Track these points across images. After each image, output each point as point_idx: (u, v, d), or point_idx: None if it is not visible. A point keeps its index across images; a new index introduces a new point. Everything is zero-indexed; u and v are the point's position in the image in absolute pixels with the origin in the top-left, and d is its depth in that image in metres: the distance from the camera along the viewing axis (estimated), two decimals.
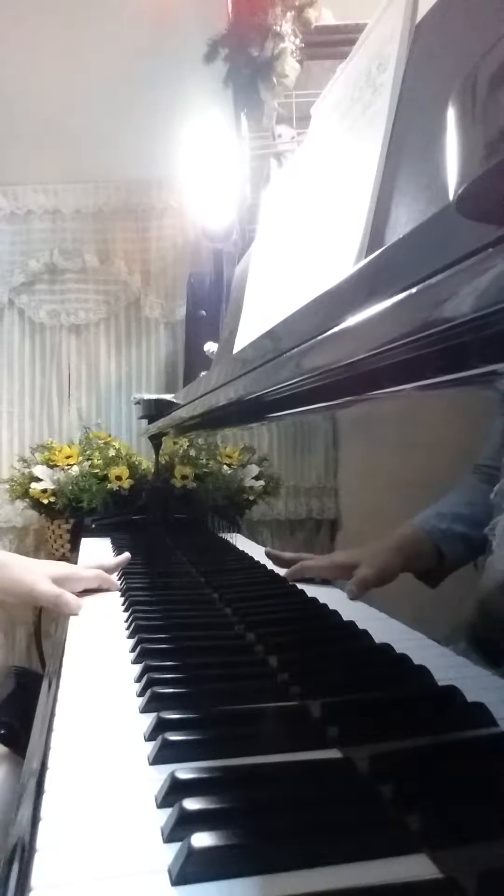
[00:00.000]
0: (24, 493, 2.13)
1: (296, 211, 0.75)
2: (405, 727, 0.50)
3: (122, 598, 1.00)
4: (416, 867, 0.37)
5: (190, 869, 0.36)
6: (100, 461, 2.09)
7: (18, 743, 0.94)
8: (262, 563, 1.13)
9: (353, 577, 0.84)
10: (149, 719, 0.55)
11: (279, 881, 0.36)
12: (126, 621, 0.86)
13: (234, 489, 1.86)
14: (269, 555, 1.12)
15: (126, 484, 2.03)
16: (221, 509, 1.82)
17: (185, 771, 0.45)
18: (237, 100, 2.04)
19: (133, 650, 0.75)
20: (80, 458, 2.13)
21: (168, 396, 1.69)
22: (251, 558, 1.21)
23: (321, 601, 0.86)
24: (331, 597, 0.86)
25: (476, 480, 0.63)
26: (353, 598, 0.87)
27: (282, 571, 1.07)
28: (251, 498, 1.86)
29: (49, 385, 2.67)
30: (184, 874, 0.36)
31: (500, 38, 0.20)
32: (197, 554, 1.34)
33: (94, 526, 1.94)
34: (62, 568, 1.04)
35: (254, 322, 0.87)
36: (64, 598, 0.94)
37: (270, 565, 1.11)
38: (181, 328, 2.61)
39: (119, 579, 1.17)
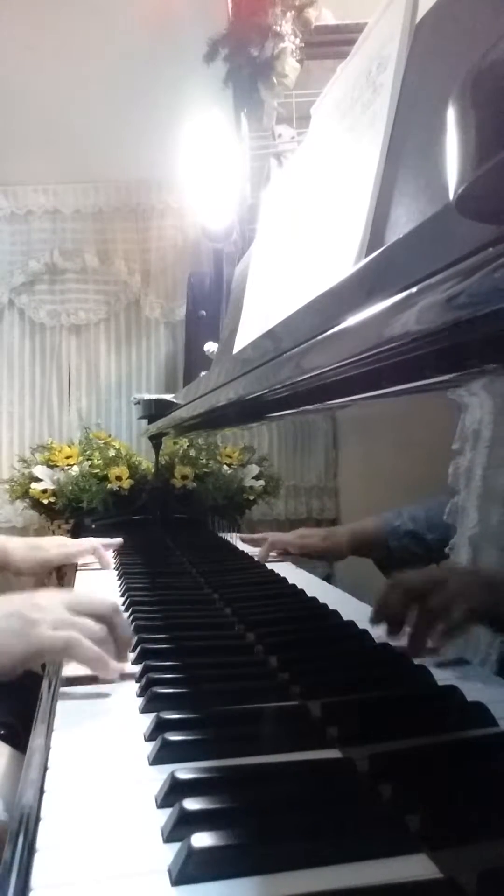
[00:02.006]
0: (24, 494, 2.13)
1: (296, 211, 0.75)
2: (405, 727, 0.50)
3: (123, 598, 1.00)
4: (416, 867, 0.37)
5: (190, 869, 0.36)
6: (100, 461, 2.09)
7: (19, 743, 0.94)
8: (261, 563, 1.13)
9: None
10: (149, 719, 0.55)
11: (279, 881, 0.36)
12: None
13: (234, 489, 1.86)
14: (243, 539, 1.16)
15: (126, 484, 2.03)
16: (221, 509, 1.82)
17: (185, 771, 0.45)
18: (237, 100, 2.04)
19: (133, 650, 0.75)
20: (80, 459, 2.13)
21: (168, 396, 1.70)
22: (251, 558, 1.21)
23: (321, 601, 0.86)
24: (331, 597, 0.86)
25: (445, 491, 0.65)
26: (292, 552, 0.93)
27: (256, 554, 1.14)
28: (251, 498, 1.86)
29: (49, 385, 2.67)
30: (184, 874, 0.36)
31: (500, 38, 0.20)
32: (197, 554, 1.34)
33: (94, 526, 1.94)
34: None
35: (254, 322, 0.87)
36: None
37: (270, 565, 1.11)
38: (181, 328, 2.61)
39: (119, 579, 1.17)
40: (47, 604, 0.68)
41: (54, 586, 1.25)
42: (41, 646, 0.64)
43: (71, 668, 0.69)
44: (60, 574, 1.38)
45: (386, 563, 0.79)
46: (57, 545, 1.21)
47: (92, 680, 0.66)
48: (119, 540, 1.32)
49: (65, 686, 0.66)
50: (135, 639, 0.77)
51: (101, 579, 1.20)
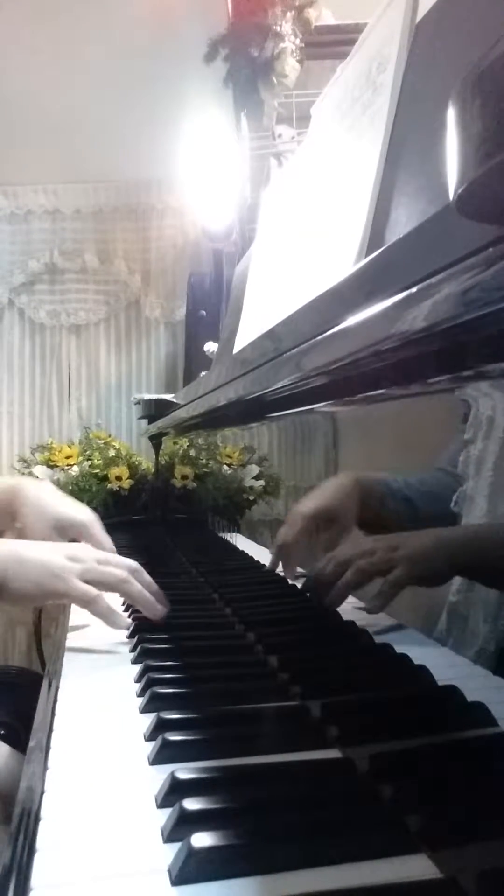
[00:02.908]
0: None
1: (296, 211, 0.75)
2: (405, 727, 0.50)
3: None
4: (416, 867, 0.37)
5: (190, 869, 0.36)
6: (100, 461, 2.09)
7: (19, 743, 0.94)
8: (261, 563, 1.13)
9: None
10: (149, 719, 0.55)
11: (279, 881, 0.36)
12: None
13: (234, 489, 1.86)
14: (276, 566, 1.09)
15: (126, 484, 2.03)
16: (221, 509, 1.82)
17: (185, 771, 0.45)
18: (237, 100, 2.04)
19: (133, 650, 0.75)
20: (80, 458, 2.13)
21: (168, 396, 1.69)
22: (251, 558, 1.21)
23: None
24: None
25: (438, 472, 0.67)
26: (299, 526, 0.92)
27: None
28: (251, 498, 1.86)
29: (49, 385, 2.67)
30: (184, 874, 0.36)
31: (500, 38, 0.20)
32: (197, 554, 1.34)
33: None
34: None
35: (254, 322, 0.87)
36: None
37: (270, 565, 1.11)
38: (181, 328, 2.61)
39: None
40: (81, 554, 0.80)
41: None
42: (68, 591, 0.76)
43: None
44: None
45: (375, 523, 0.80)
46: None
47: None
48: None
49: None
50: (135, 639, 0.77)
51: None
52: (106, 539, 0.98)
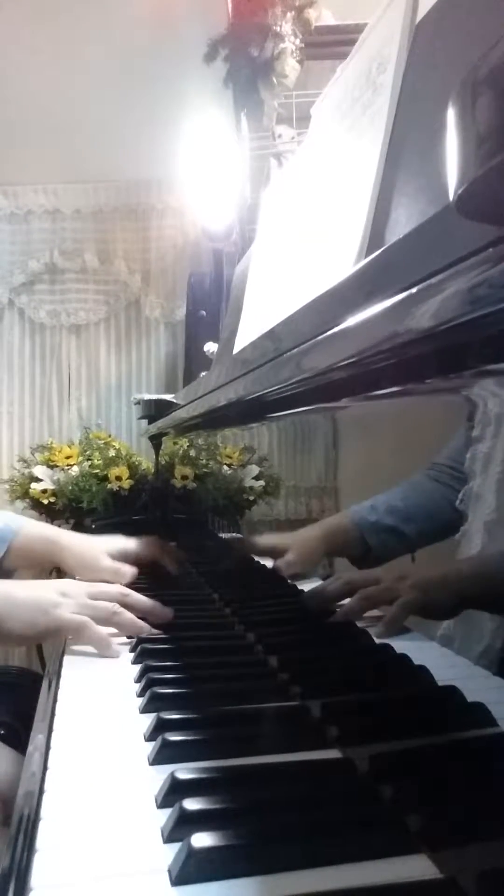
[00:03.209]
0: (24, 494, 2.13)
1: (296, 211, 0.75)
2: (405, 727, 0.50)
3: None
4: (416, 867, 0.37)
5: (190, 869, 0.36)
6: (100, 461, 2.09)
7: (19, 743, 0.94)
8: (261, 563, 1.13)
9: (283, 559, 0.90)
10: (149, 719, 0.55)
11: (279, 881, 0.36)
12: None
13: (234, 489, 1.86)
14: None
15: (126, 484, 2.03)
16: (221, 509, 1.82)
17: (185, 771, 0.45)
18: (237, 100, 2.04)
19: (133, 650, 0.75)
20: (80, 459, 2.13)
21: (168, 396, 1.69)
22: (251, 558, 1.21)
23: None
24: None
25: (424, 478, 0.65)
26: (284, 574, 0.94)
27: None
28: (251, 498, 1.86)
29: (49, 385, 2.67)
30: (184, 874, 0.36)
31: (500, 38, 0.20)
32: (197, 554, 1.34)
33: (94, 526, 1.94)
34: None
35: (254, 322, 0.87)
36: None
37: (270, 565, 1.11)
38: (181, 328, 2.61)
39: None
40: (71, 590, 0.82)
41: None
42: (60, 625, 0.78)
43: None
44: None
45: (363, 561, 0.80)
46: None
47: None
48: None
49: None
50: (135, 639, 0.77)
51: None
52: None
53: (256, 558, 1.16)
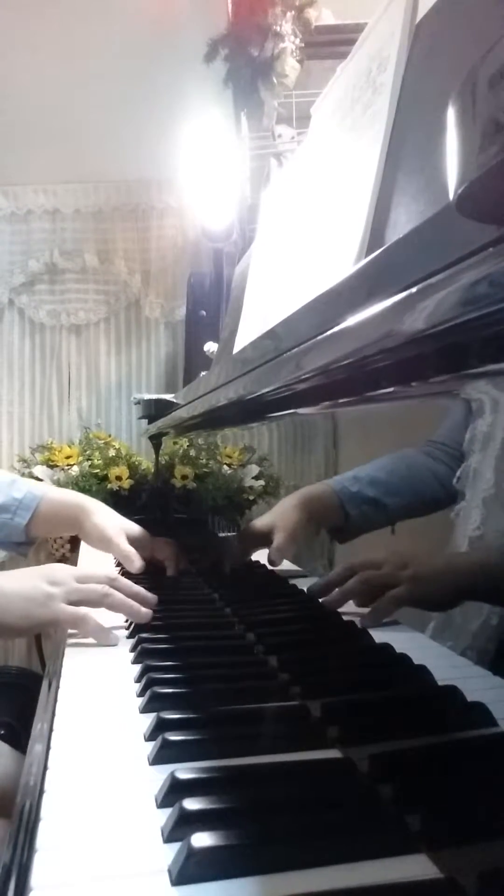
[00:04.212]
0: None
1: (296, 211, 0.75)
2: (405, 727, 0.50)
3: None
4: (416, 867, 0.37)
5: (190, 869, 0.36)
6: (100, 461, 2.09)
7: (19, 743, 0.94)
8: (261, 562, 1.13)
9: (271, 544, 0.90)
10: (149, 719, 0.55)
11: (279, 881, 0.36)
12: (126, 621, 0.86)
13: (234, 489, 1.86)
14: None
15: (126, 484, 2.03)
16: (221, 509, 1.82)
17: (185, 771, 0.45)
18: (237, 100, 2.04)
19: (133, 650, 0.75)
20: (80, 458, 2.13)
21: (168, 396, 1.69)
22: (251, 558, 1.21)
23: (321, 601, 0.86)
24: None
25: (415, 452, 0.65)
26: (274, 566, 0.94)
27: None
28: (251, 498, 1.86)
29: (49, 385, 2.67)
30: (184, 874, 0.36)
31: (501, 38, 0.20)
32: (197, 554, 1.34)
33: None
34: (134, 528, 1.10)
35: (254, 322, 0.87)
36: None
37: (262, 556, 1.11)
38: (181, 328, 2.61)
39: None
40: (59, 576, 0.81)
41: None
42: (57, 617, 0.78)
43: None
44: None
45: (342, 532, 0.80)
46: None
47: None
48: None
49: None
50: (135, 639, 0.77)
51: (101, 561, 1.20)
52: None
53: (253, 557, 1.17)
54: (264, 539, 1.01)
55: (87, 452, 2.15)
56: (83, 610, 0.79)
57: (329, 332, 0.40)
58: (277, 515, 0.99)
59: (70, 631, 0.82)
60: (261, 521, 1.05)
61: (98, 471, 2.07)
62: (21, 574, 0.83)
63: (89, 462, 2.10)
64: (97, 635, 0.78)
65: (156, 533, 1.16)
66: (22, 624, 0.78)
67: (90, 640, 0.79)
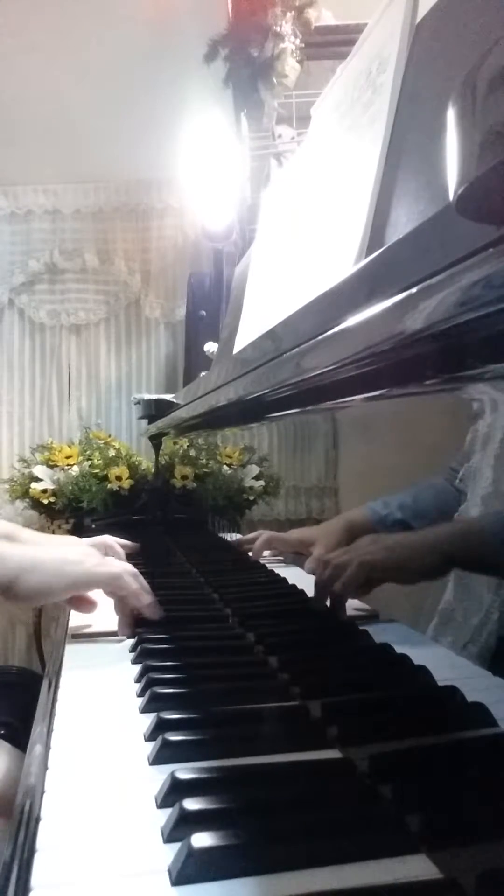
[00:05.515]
0: (24, 493, 2.13)
1: (296, 211, 0.75)
2: (405, 727, 0.50)
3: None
4: (416, 867, 0.37)
5: (190, 869, 0.36)
6: (100, 461, 2.09)
7: (19, 743, 0.94)
8: (262, 563, 1.13)
9: (310, 554, 0.91)
10: (149, 719, 0.55)
11: (279, 881, 0.36)
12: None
13: (234, 489, 1.86)
14: (241, 542, 1.16)
15: (126, 484, 2.03)
16: (221, 509, 1.82)
17: (185, 771, 0.45)
18: (237, 100, 2.04)
19: (133, 650, 0.75)
20: (80, 458, 2.13)
21: (168, 396, 1.69)
22: (250, 558, 1.21)
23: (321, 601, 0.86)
24: None
25: (442, 481, 0.66)
26: (311, 573, 0.95)
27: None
28: (251, 498, 1.86)
29: (49, 385, 2.67)
30: (184, 874, 0.36)
31: (501, 38, 0.20)
32: (197, 554, 1.34)
33: (94, 526, 1.94)
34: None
35: (254, 322, 0.87)
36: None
37: (270, 565, 1.11)
38: (181, 328, 2.61)
39: None
40: (92, 551, 0.84)
41: None
42: (91, 576, 0.77)
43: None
44: None
45: None
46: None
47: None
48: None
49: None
50: (135, 639, 0.77)
51: None
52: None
53: (251, 556, 1.17)
54: (303, 546, 1.03)
55: (87, 452, 2.15)
56: (117, 568, 0.78)
57: (329, 333, 0.40)
58: (322, 531, 1.01)
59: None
60: (306, 531, 1.06)
61: (98, 471, 2.07)
62: (61, 539, 0.87)
63: (89, 462, 2.10)
64: (134, 598, 0.77)
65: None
66: (56, 583, 0.76)
67: (90, 641, 0.79)
